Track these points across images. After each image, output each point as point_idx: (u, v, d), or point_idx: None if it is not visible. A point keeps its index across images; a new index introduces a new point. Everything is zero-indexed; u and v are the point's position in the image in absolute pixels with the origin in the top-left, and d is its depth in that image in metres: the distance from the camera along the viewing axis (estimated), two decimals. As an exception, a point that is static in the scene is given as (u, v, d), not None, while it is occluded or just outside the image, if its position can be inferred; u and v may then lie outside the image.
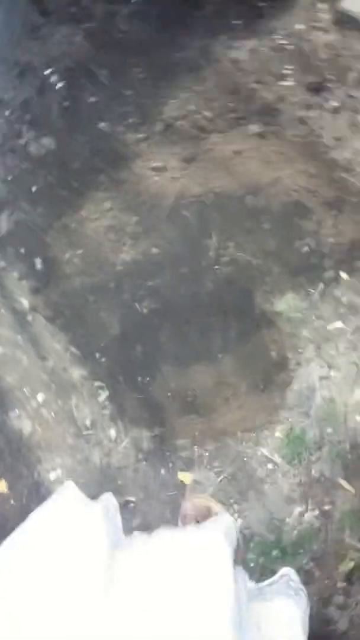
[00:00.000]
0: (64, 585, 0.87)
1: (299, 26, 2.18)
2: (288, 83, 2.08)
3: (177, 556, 0.97)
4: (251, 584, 1.41)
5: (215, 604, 0.89)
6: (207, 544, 1.01)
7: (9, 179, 2.04)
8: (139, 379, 1.93)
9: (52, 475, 1.75)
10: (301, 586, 1.48)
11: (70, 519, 1.01)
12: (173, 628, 0.83)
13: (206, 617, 0.86)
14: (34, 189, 2.02)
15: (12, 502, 1.73)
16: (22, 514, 1.77)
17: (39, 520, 0.99)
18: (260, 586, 1.46)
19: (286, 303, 1.88)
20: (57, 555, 0.91)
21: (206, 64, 2.15)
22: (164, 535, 1.03)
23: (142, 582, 0.91)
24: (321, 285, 1.86)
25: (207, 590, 0.91)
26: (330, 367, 1.81)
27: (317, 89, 2.05)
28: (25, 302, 1.92)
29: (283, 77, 2.11)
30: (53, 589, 0.86)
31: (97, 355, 1.86)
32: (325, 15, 2.19)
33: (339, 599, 1.65)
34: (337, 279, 1.86)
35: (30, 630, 0.80)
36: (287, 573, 1.54)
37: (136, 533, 1.11)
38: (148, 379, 1.94)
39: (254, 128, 1.98)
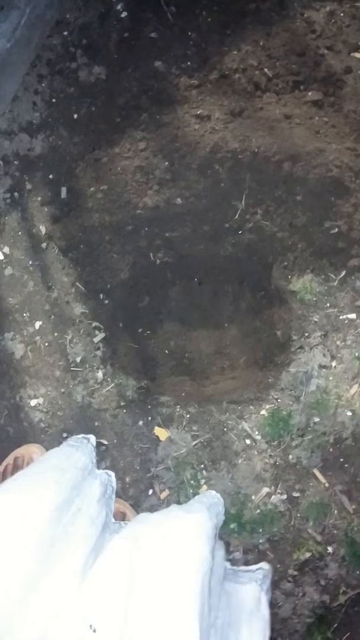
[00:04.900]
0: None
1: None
2: (360, 55, 1.94)
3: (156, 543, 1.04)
4: (226, 563, 1.45)
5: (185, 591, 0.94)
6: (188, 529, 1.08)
7: (53, 101, 1.99)
8: (139, 329, 1.90)
9: (33, 402, 1.75)
10: (269, 586, 1.52)
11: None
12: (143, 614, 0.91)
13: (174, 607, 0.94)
14: (75, 116, 1.97)
15: (-11, 419, 1.75)
16: (-6, 431, 1.78)
17: None
18: (235, 569, 1.49)
19: (303, 284, 1.80)
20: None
21: (279, 20, 2.02)
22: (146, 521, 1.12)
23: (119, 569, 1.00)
24: (343, 273, 1.78)
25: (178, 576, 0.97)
26: (333, 357, 1.74)
27: (389, 66, 1.91)
28: (43, 229, 1.90)
29: (357, 48, 1.97)
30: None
31: (102, 296, 1.83)
32: None
33: (288, 585, 1.63)
34: (361, 269, 1.77)
35: None
36: (266, 568, 1.56)
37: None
38: (148, 331, 1.91)
39: (312, 95, 1.86)
